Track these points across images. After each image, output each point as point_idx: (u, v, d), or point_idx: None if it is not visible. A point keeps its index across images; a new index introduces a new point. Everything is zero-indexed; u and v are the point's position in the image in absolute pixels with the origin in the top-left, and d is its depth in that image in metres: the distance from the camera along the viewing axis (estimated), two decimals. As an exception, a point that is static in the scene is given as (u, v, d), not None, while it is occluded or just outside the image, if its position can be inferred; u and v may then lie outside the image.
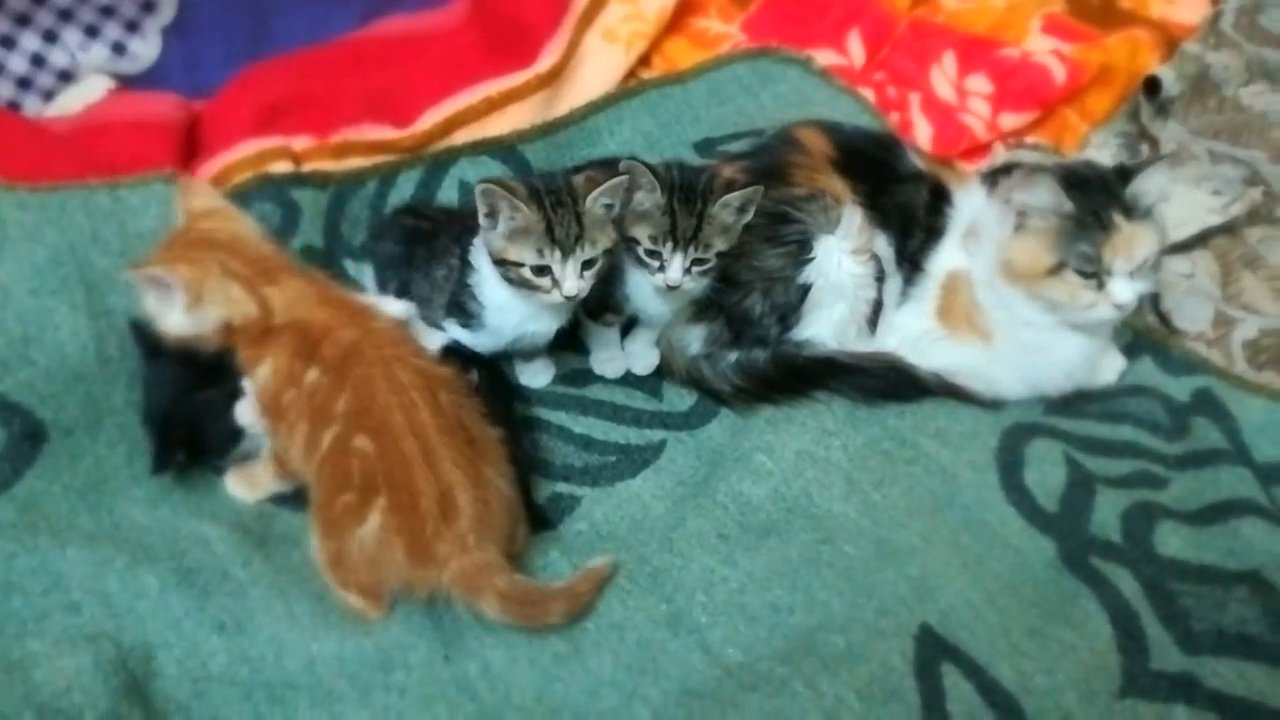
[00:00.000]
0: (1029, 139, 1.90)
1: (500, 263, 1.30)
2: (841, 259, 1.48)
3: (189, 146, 1.61)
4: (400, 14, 1.85)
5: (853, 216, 1.48)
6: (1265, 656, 1.19)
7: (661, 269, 1.37)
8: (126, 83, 1.72)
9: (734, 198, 1.36)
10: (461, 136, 1.73)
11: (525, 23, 1.78)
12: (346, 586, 1.17)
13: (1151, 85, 1.99)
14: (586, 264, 1.30)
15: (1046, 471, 1.42)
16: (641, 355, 1.58)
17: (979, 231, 1.48)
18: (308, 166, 1.62)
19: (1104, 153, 1.96)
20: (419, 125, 1.70)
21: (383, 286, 1.55)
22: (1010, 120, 1.95)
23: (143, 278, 1.19)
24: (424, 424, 1.16)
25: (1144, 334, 1.62)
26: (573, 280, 1.29)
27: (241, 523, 1.24)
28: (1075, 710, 1.12)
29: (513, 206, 1.25)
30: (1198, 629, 1.23)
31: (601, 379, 1.57)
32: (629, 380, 1.57)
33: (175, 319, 1.20)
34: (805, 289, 1.47)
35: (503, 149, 1.75)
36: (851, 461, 1.41)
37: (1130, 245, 1.36)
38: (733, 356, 1.53)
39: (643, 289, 1.42)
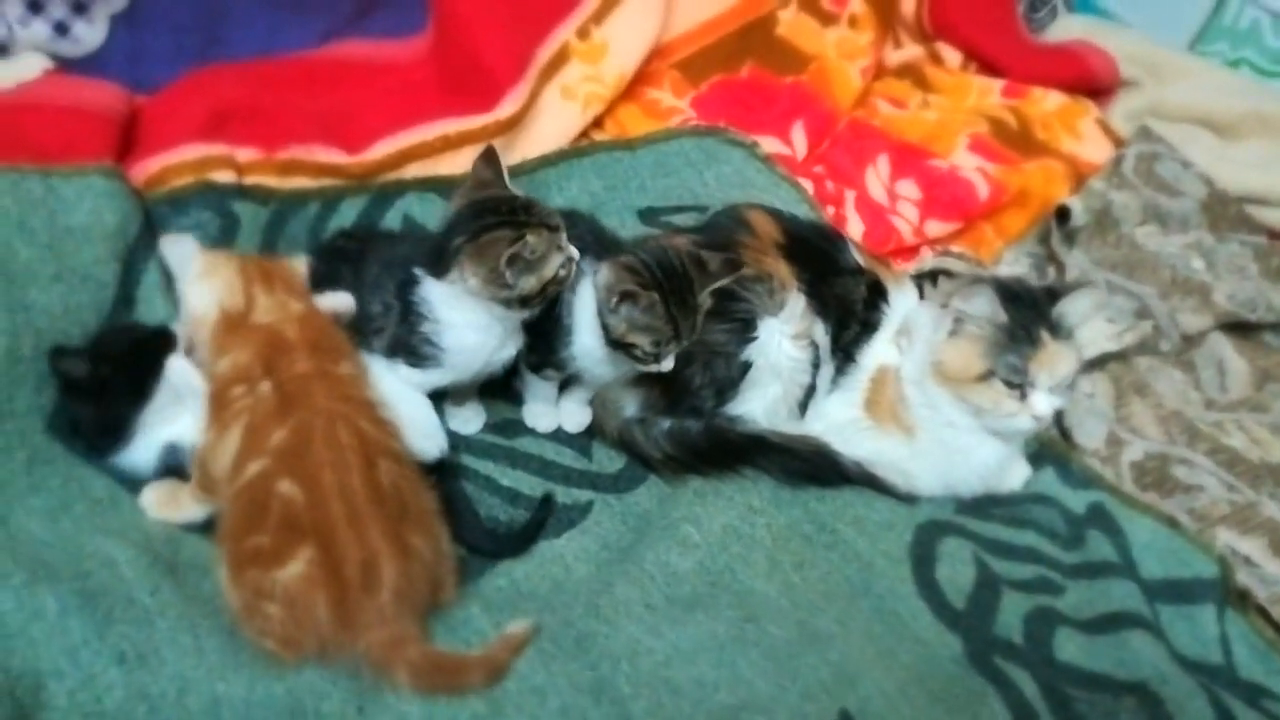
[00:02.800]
0: (954, 247, 2.00)
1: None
2: (782, 342, 1.51)
3: (126, 142, 1.52)
4: (360, 39, 1.81)
5: (797, 302, 1.52)
6: (1147, 768, 1.25)
7: (656, 360, 1.38)
8: (64, 65, 1.62)
9: (711, 289, 1.38)
10: (412, 170, 1.70)
11: (487, 67, 1.77)
12: (261, 635, 1.10)
13: (1063, 213, 2.13)
14: None
15: (957, 569, 1.47)
16: (574, 412, 1.57)
17: (911, 331, 1.55)
18: (250, 180, 1.56)
19: (1015, 270, 2.09)
20: (370, 153, 1.66)
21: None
22: (935, 228, 2.05)
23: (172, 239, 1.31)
24: (354, 489, 1.13)
25: (1047, 446, 1.71)
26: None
27: (150, 545, 1.16)
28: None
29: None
30: (1090, 735, 1.28)
31: (532, 432, 1.55)
32: (559, 436, 1.56)
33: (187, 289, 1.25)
34: (746, 366, 1.50)
35: (450, 188, 1.72)
36: (774, 541, 1.43)
37: (1054, 362, 1.44)
38: (666, 424, 1.53)
39: (592, 354, 1.42)
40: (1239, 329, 2.11)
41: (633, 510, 1.47)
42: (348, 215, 1.66)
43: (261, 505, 1.11)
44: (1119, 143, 2.38)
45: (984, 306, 1.43)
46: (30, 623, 1.00)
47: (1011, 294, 1.47)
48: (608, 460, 1.54)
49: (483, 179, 1.38)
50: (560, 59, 1.91)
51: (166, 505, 1.22)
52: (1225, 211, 2.31)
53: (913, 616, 1.41)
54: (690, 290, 1.35)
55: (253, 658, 1.09)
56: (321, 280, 1.47)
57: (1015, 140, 2.31)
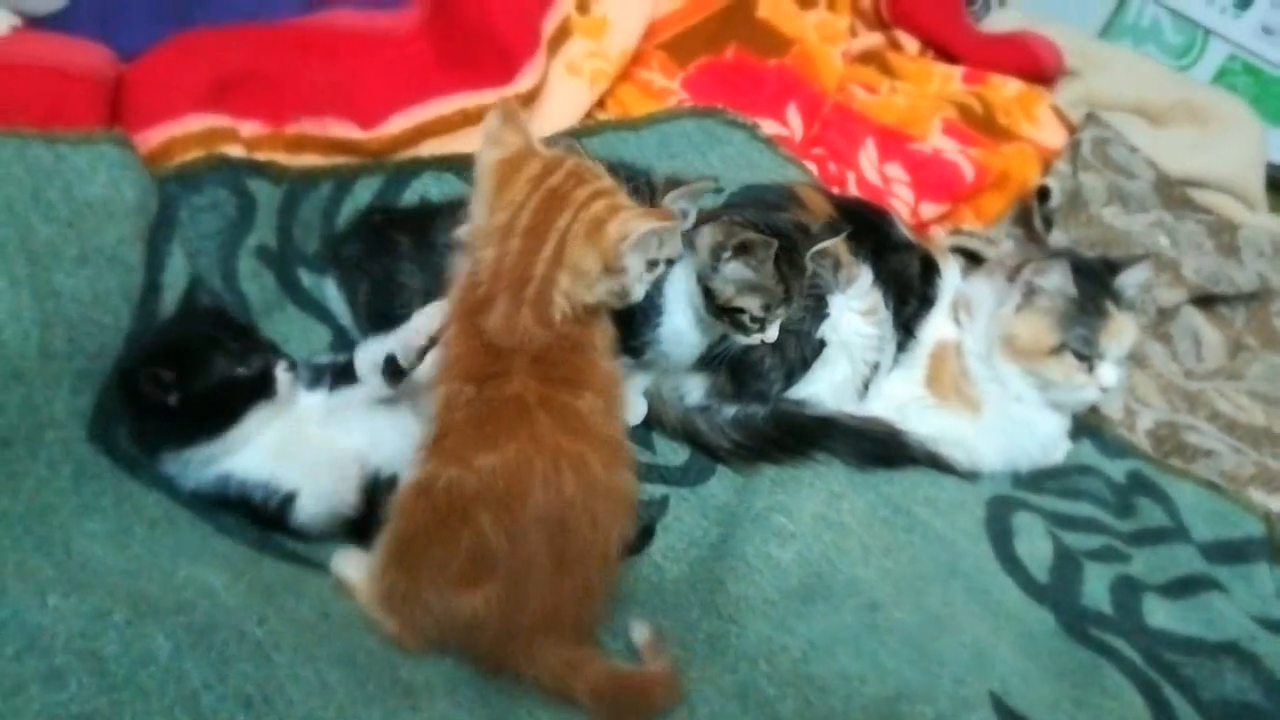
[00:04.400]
0: (965, 226, 2.00)
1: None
2: (852, 319, 1.46)
3: (113, 111, 1.31)
4: (349, 7, 1.64)
5: (865, 278, 1.47)
6: (1269, 723, 1.26)
7: (761, 328, 1.28)
8: (30, 24, 1.39)
9: (819, 247, 1.31)
10: (428, 147, 1.55)
11: (502, 38, 1.64)
12: (392, 615, 1.00)
13: (1044, 194, 2.17)
14: None
15: (1035, 543, 1.45)
16: (632, 404, 1.46)
17: (971, 305, 1.52)
18: (260, 156, 1.38)
19: (1001, 249, 2.11)
20: (386, 129, 1.50)
21: (352, 299, 1.34)
22: (929, 210, 2.04)
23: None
24: (563, 551, 0.99)
25: (1081, 417, 1.72)
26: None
27: (235, 568, 0.98)
28: (1146, 781, 1.12)
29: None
30: (1206, 698, 1.28)
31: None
32: (618, 429, 1.45)
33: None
34: (821, 345, 1.43)
35: (469, 167, 1.58)
36: (861, 526, 1.37)
37: (1120, 333, 1.45)
38: (731, 411, 1.45)
39: (680, 335, 1.32)
40: (1202, 302, 2.21)
41: (710, 503, 1.38)
42: (362, 197, 1.49)
43: (449, 528, 0.98)
44: (1071, 128, 2.45)
45: (1058, 280, 1.42)
46: (139, 669, 0.81)
47: (1077, 266, 1.46)
48: (671, 452, 1.44)
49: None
50: (563, 34, 1.80)
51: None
52: (1172, 193, 2.42)
53: (1003, 593, 1.37)
54: (797, 249, 1.27)
55: (380, 689, 0.94)
56: (361, 264, 1.33)
57: (981, 125, 2.35)
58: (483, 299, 1.00)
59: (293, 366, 1.11)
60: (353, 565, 1.07)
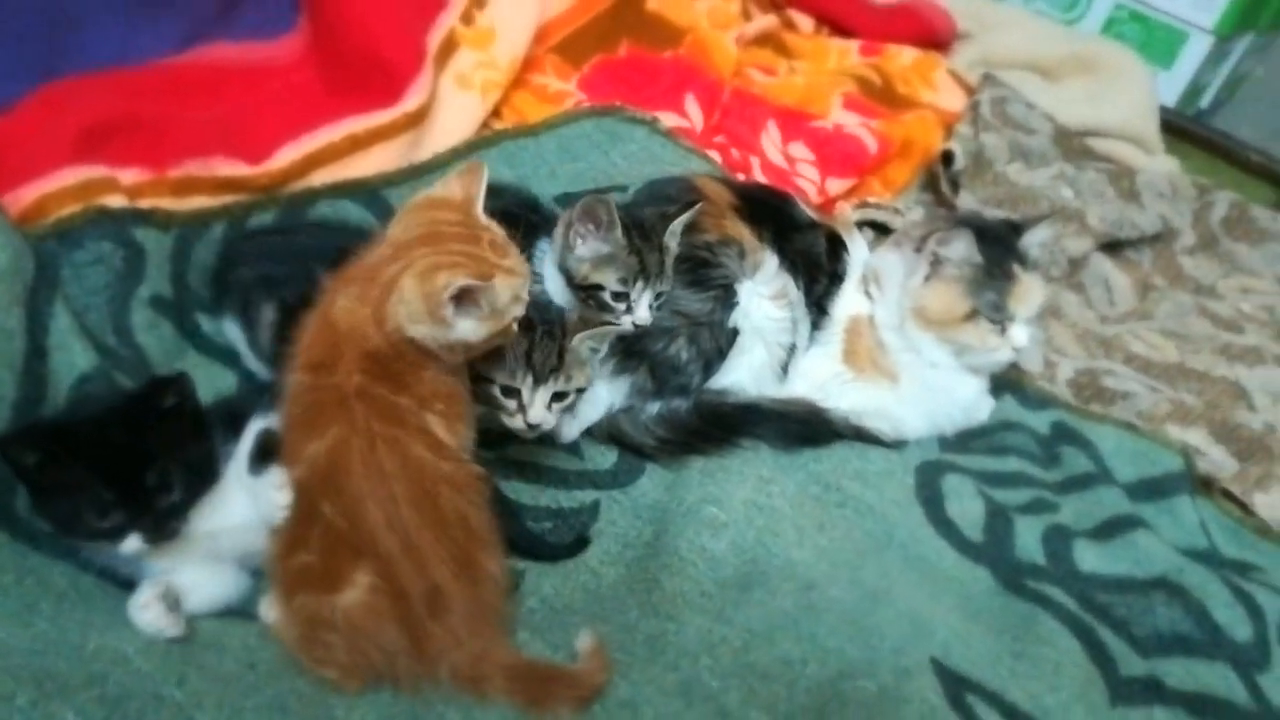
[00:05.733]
0: (871, 198, 2.02)
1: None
2: (761, 303, 1.46)
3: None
4: (225, 42, 1.61)
5: (770, 262, 1.48)
6: (1201, 651, 1.29)
7: (629, 310, 1.31)
8: (-118, 90, 1.34)
9: (678, 224, 1.34)
10: (320, 176, 1.53)
11: (385, 60, 1.62)
12: (321, 665, 0.98)
13: (948, 158, 2.20)
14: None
15: (965, 504, 1.47)
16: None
17: (880, 278, 1.54)
18: (144, 203, 1.35)
19: (908, 218, 2.13)
20: (275, 162, 1.47)
21: (251, 322, 1.30)
22: (836, 185, 2.06)
23: None
24: (405, 521, 1.00)
25: (1001, 375, 1.75)
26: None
27: (145, 633, 0.96)
28: (1087, 724, 1.14)
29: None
30: (1139, 634, 1.31)
31: (516, 439, 1.42)
32: (545, 439, 1.43)
33: None
34: (734, 334, 1.44)
35: (365, 191, 1.57)
36: (792, 508, 1.37)
37: (1028, 295, 1.48)
38: (654, 408, 1.45)
39: None
40: (1109, 248, 2.26)
41: (642, 503, 1.38)
42: (256, 233, 1.46)
43: (301, 521, 1.00)
44: (970, 90, 2.50)
45: (962, 249, 1.44)
46: (53, 749, 0.79)
47: (981, 232, 1.48)
48: (599, 456, 1.44)
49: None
50: (449, 47, 1.78)
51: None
52: (1071, 144, 2.47)
53: (939, 557, 1.40)
54: (654, 229, 1.33)
55: (314, 733, 0.92)
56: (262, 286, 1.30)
57: (881, 96, 2.37)
58: (342, 283, 1.06)
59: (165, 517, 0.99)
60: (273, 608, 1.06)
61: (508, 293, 1.06)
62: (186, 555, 1.04)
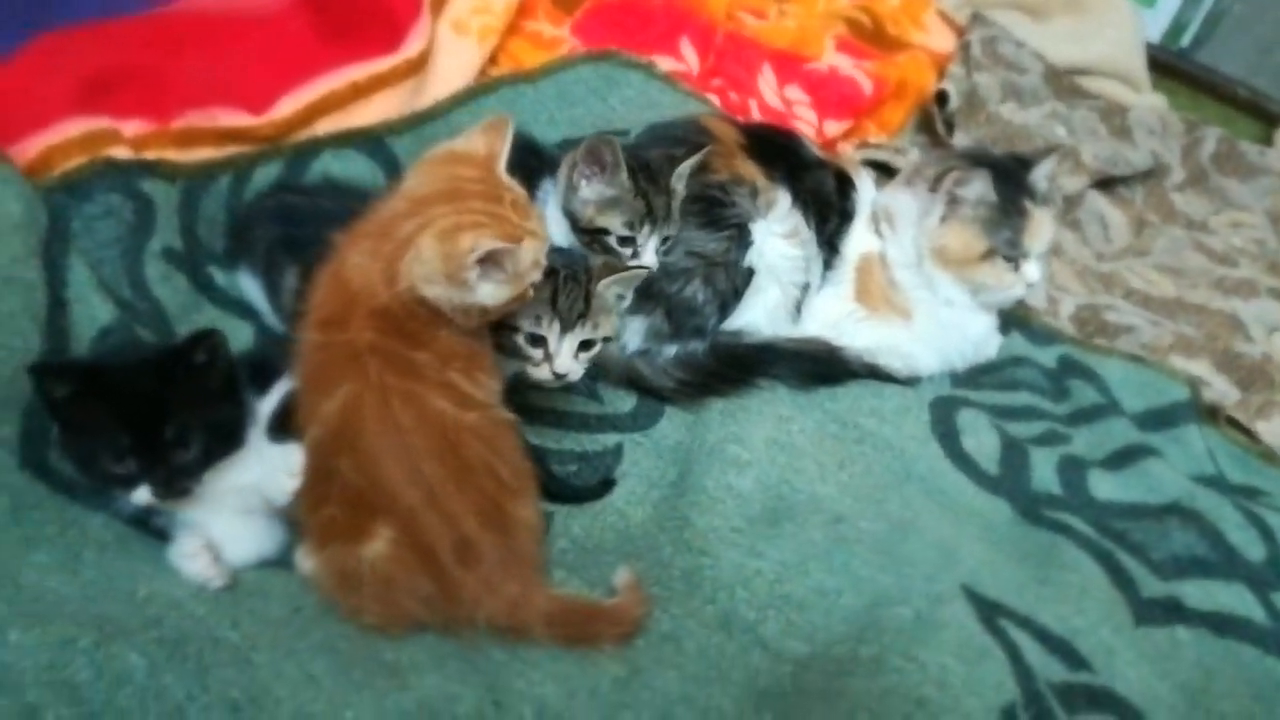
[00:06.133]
0: (872, 138, 2.02)
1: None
2: (775, 242, 1.46)
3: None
4: (213, -11, 1.57)
5: (782, 201, 1.47)
6: (1218, 572, 1.32)
7: (635, 255, 1.29)
8: (-127, 43, 1.30)
9: (685, 166, 1.33)
10: (323, 126, 1.50)
11: (380, 6, 1.58)
12: (356, 613, 0.98)
13: (942, 98, 2.20)
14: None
15: (981, 438, 1.48)
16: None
17: (894, 217, 1.54)
18: (149, 155, 1.32)
19: (910, 158, 2.13)
20: (277, 111, 1.44)
21: (274, 285, 1.28)
22: (833, 127, 2.05)
23: None
24: (427, 474, 0.99)
25: (1007, 311, 1.76)
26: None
27: (193, 580, 0.95)
28: (1115, 643, 1.17)
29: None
30: (1157, 558, 1.33)
31: (535, 385, 1.41)
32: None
33: None
34: (749, 273, 1.44)
35: (369, 141, 1.55)
36: (813, 445, 1.38)
37: (1040, 230, 1.48)
38: (671, 351, 1.45)
39: None
40: (1102, 185, 2.27)
41: (664, 444, 1.38)
42: (261, 185, 1.44)
43: (322, 477, 1.00)
44: (959, 31, 2.48)
45: (980, 189, 1.44)
46: (116, 690, 0.79)
47: (994, 170, 1.48)
48: (619, 400, 1.44)
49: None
50: (445, -9, 1.74)
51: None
52: (1061, 83, 2.47)
53: (958, 490, 1.41)
54: (661, 171, 1.31)
55: (367, 673, 0.93)
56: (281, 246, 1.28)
57: (872, 37, 2.36)
58: (355, 238, 1.03)
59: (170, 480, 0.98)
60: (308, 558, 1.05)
61: (530, 256, 1.04)
62: (218, 508, 1.03)
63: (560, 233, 1.36)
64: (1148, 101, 2.55)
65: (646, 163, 1.34)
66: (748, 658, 1.08)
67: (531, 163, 1.41)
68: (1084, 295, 1.94)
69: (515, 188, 1.09)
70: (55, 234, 1.15)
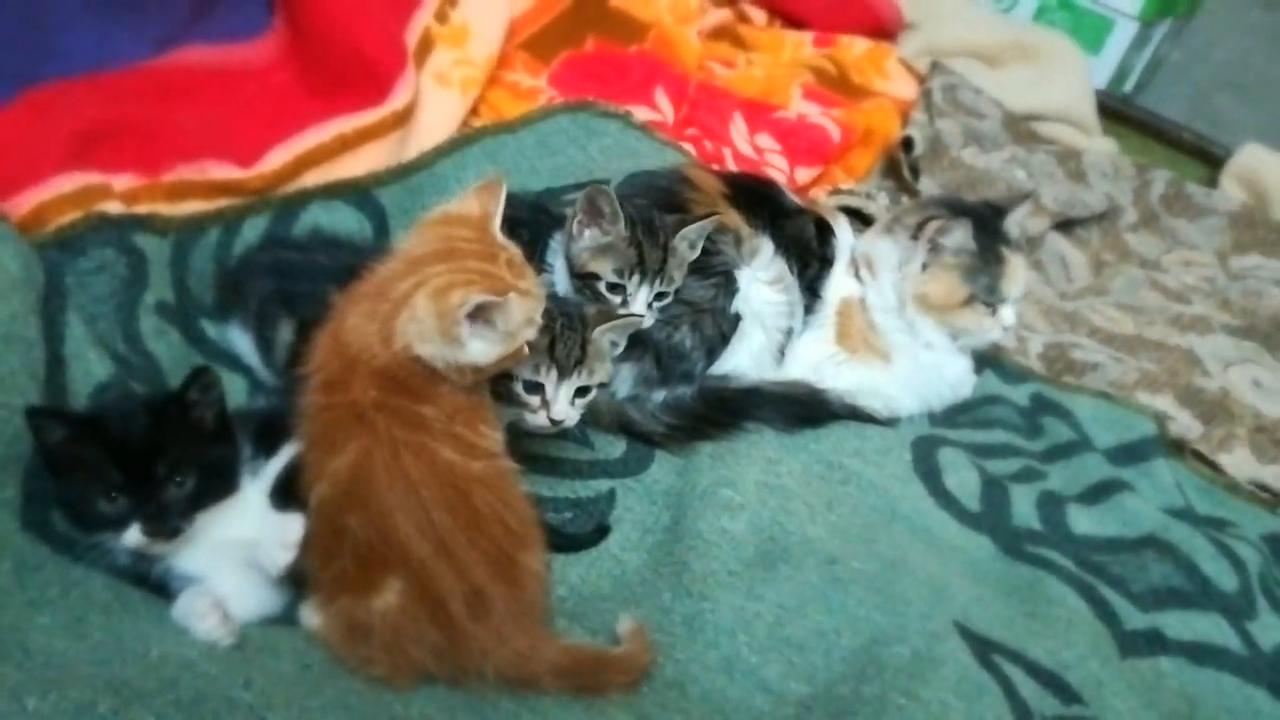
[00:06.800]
0: (843, 185, 2.07)
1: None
2: (760, 289, 1.50)
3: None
4: (201, 44, 1.58)
5: (766, 248, 1.51)
6: (1195, 603, 1.37)
7: (624, 304, 1.31)
8: None
9: (692, 230, 1.35)
10: (311, 178, 1.51)
11: (369, 58, 1.60)
12: (364, 665, 0.98)
13: (908, 144, 2.27)
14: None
15: (962, 476, 1.52)
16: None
17: (874, 263, 1.58)
18: (140, 209, 1.32)
19: (880, 203, 2.19)
20: (266, 164, 1.45)
21: (266, 341, 1.28)
22: (804, 174, 2.11)
23: None
24: (438, 525, 1.00)
25: (980, 352, 1.81)
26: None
27: (202, 640, 0.95)
28: (1103, 675, 1.20)
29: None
30: (1136, 590, 1.38)
31: (528, 432, 1.43)
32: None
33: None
34: (736, 319, 1.47)
35: (357, 192, 1.56)
36: (801, 487, 1.41)
37: (1015, 275, 1.54)
38: (660, 395, 1.47)
39: None
40: (1061, 227, 2.35)
41: (655, 489, 1.40)
42: (250, 237, 1.44)
43: (333, 533, 1.00)
44: (920, 79, 2.57)
45: (960, 238, 1.49)
46: (138, 757, 0.78)
47: (971, 218, 1.53)
48: (609, 445, 1.45)
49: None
50: (425, 46, 1.77)
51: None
52: (1019, 129, 2.56)
53: (942, 527, 1.44)
54: (662, 227, 1.35)
55: (381, 729, 0.92)
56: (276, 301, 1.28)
57: (837, 85, 2.43)
58: (353, 300, 1.04)
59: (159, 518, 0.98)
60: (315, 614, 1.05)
61: (522, 313, 1.05)
62: (218, 562, 1.03)
63: (562, 279, 1.39)
64: (1099, 146, 2.64)
65: (651, 219, 1.37)
66: (751, 701, 1.10)
67: (542, 219, 1.46)
68: (1050, 333, 2.00)
69: (510, 247, 1.10)
70: (51, 290, 1.14)
